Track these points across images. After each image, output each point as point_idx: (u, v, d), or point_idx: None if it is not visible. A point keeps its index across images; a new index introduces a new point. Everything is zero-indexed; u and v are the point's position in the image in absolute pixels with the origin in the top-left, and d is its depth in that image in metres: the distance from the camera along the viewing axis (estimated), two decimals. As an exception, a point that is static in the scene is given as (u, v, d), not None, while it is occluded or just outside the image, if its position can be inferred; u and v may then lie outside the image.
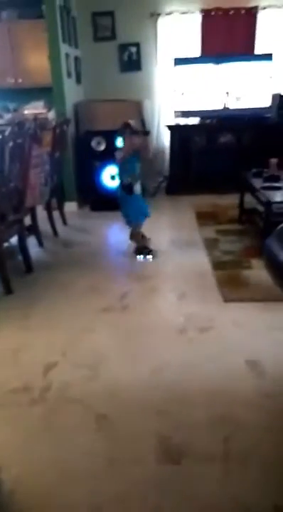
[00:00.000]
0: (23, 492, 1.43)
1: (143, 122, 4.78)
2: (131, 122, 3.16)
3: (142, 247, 3.35)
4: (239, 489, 1.40)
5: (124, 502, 1.38)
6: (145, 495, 1.40)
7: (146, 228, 3.36)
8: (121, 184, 3.24)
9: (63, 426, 1.71)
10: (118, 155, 3.23)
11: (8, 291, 2.82)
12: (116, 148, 3.34)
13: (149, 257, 3.32)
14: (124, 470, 1.50)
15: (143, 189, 3.47)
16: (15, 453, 1.59)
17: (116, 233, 3.65)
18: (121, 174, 3.26)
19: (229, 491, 1.40)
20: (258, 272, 2.96)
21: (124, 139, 3.18)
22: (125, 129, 3.14)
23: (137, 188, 3.23)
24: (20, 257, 3.18)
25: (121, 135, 3.20)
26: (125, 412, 1.77)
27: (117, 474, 1.48)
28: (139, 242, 3.37)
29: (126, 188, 3.22)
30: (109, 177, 4.52)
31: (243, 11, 4.93)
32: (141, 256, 3.32)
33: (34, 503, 1.39)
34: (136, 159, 3.21)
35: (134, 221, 3.33)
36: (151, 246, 3.38)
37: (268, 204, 3.17)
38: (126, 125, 3.13)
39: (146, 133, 3.21)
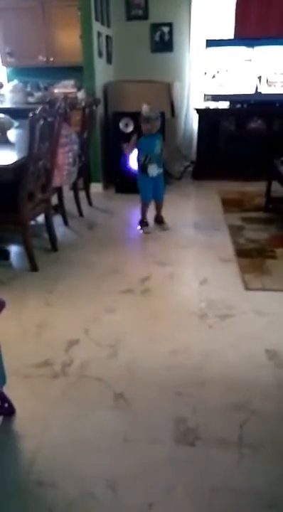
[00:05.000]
0: (41, 463, 1.49)
1: (172, 104, 4.73)
2: (144, 108, 3.32)
3: (141, 220, 3.65)
4: (251, 475, 1.43)
5: (139, 478, 1.42)
6: (159, 473, 1.44)
7: (171, 211, 3.39)
8: (137, 162, 3.48)
9: (82, 401, 1.77)
10: (131, 141, 3.49)
11: (34, 268, 2.88)
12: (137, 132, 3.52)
13: (138, 228, 3.63)
14: (139, 448, 1.54)
15: (167, 173, 3.59)
16: (36, 424, 1.66)
17: (139, 217, 3.67)
18: (138, 153, 3.48)
19: (241, 476, 1.43)
20: (282, 261, 2.94)
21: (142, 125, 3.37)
22: (140, 117, 3.36)
23: (152, 169, 3.43)
24: (46, 236, 3.23)
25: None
26: (143, 391, 1.81)
27: (132, 451, 1.53)
28: (142, 215, 3.65)
29: (140, 167, 3.44)
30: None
31: (281, -9, 4.75)
32: (138, 227, 3.65)
33: (52, 473, 1.45)
34: (155, 142, 3.40)
35: (140, 193, 3.61)
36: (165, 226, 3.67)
37: (296, 193, 3.11)
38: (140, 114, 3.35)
39: (148, 119, 3.33)
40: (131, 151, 3.59)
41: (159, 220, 3.71)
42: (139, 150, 3.44)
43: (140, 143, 3.40)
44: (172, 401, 1.75)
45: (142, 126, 3.35)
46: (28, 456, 1.51)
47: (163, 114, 4.04)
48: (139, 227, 3.65)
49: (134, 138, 3.46)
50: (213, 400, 1.75)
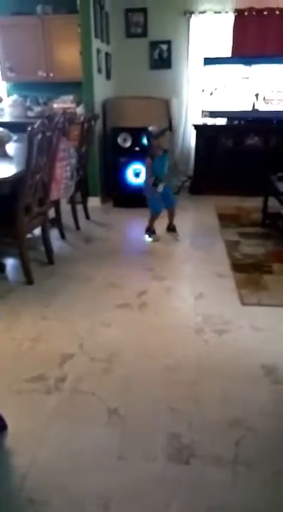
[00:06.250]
0: (33, 479, 1.46)
1: (170, 120, 4.79)
2: (152, 128, 3.49)
3: (148, 229, 3.72)
4: (247, 494, 1.40)
5: (132, 497, 1.40)
6: (153, 491, 1.42)
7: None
8: (147, 181, 3.60)
9: (76, 417, 1.74)
10: (147, 160, 3.58)
11: (30, 281, 2.87)
12: (145, 149, 3.70)
13: (146, 236, 3.70)
14: (133, 465, 1.51)
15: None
16: (29, 440, 1.63)
17: (136, 231, 3.69)
18: (148, 173, 3.60)
19: (237, 495, 1.40)
20: (279, 276, 2.94)
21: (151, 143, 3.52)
22: (149, 136, 3.52)
23: (160, 187, 3.55)
24: (42, 249, 3.22)
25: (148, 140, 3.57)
26: (137, 407, 1.78)
27: (127, 469, 1.50)
28: (150, 224, 3.73)
29: (150, 185, 3.55)
30: (133, 174, 4.53)
31: (277, 12, 4.85)
32: (146, 236, 3.71)
33: (44, 491, 1.42)
34: (165, 163, 3.56)
35: (150, 208, 3.70)
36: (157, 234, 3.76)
37: (292, 209, 3.13)
38: (148, 132, 3.50)
39: (163, 131, 3.55)
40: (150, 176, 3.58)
41: (171, 228, 3.80)
42: (150, 171, 3.54)
43: (154, 166, 3.51)
44: (167, 417, 1.73)
45: (160, 141, 3.48)
46: (19, 473, 1.48)
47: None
48: (146, 235, 3.70)
49: (148, 161, 3.53)
50: (209, 417, 1.73)
